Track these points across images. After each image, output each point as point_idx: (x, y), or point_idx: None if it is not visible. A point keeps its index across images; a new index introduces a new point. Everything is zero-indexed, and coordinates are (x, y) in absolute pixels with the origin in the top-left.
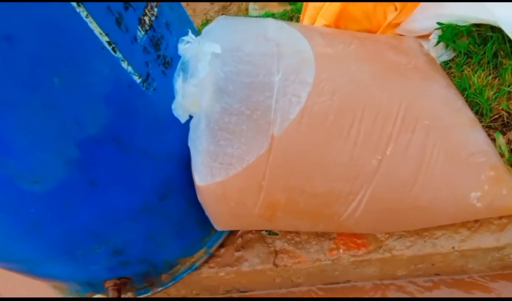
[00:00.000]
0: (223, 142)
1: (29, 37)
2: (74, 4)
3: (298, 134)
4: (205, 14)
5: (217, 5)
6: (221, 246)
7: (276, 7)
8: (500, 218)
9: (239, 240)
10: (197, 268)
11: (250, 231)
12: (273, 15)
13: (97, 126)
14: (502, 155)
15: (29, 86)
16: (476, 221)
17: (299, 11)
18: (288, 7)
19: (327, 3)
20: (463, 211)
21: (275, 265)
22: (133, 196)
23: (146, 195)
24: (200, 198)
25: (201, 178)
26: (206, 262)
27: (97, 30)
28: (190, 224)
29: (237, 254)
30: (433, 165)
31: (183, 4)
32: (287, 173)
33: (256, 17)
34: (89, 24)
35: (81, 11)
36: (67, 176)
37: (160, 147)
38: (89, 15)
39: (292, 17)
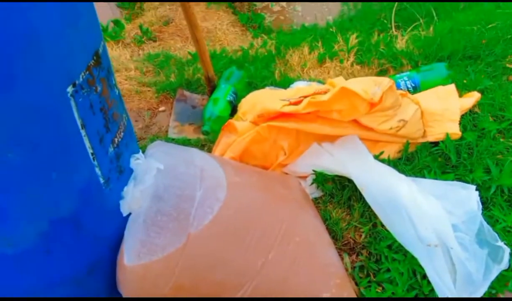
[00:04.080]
0: (153, 234)
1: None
2: (79, 127)
3: (208, 235)
4: None
5: (141, 123)
6: None
7: (191, 134)
8: None
9: None
10: None
11: None
12: (189, 141)
13: (68, 210)
14: (346, 269)
15: (32, 177)
16: None
17: (210, 141)
18: (201, 136)
19: (237, 141)
20: None
21: None
22: (72, 266)
23: (80, 267)
24: (121, 276)
25: (129, 259)
26: None
27: (88, 144)
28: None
29: None
30: (300, 269)
31: None
32: (195, 263)
33: (175, 138)
34: (85, 141)
35: (83, 133)
36: (33, 243)
37: (103, 231)
38: (86, 135)
39: (204, 145)
